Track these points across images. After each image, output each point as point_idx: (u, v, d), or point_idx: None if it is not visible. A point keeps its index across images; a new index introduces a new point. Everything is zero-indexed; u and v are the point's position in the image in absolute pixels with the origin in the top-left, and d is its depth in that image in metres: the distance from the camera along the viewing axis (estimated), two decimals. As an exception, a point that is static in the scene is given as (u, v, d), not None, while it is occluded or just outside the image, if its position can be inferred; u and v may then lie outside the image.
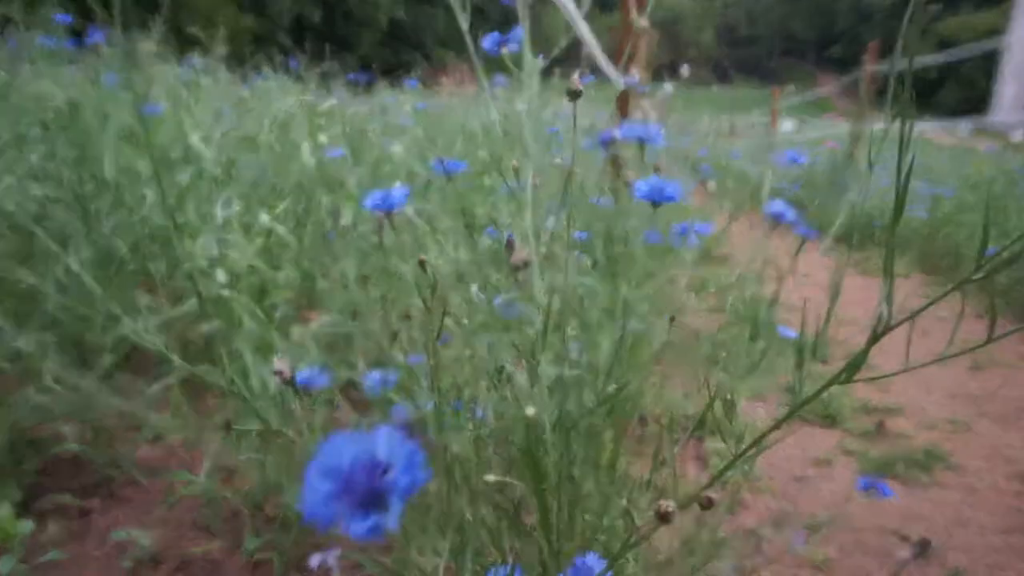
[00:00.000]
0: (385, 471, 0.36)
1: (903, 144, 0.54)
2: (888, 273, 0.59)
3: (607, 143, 1.34)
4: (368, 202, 1.06)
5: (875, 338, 0.62)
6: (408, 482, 0.36)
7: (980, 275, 0.56)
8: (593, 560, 0.84)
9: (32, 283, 1.86)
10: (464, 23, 1.14)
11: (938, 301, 0.59)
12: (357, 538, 0.35)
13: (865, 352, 0.64)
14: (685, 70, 1.81)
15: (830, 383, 0.70)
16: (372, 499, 0.36)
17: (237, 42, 2.94)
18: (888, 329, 0.62)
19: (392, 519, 0.35)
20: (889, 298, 0.60)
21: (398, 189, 1.05)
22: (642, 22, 1.35)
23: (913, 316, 0.61)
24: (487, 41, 1.14)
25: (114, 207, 2.02)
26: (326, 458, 0.37)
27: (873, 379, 0.63)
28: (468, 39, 1.17)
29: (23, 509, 1.73)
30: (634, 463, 1.46)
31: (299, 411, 1.12)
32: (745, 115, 18.66)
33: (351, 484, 0.36)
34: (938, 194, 6.56)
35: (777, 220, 1.17)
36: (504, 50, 1.13)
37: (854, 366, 0.67)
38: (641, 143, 1.24)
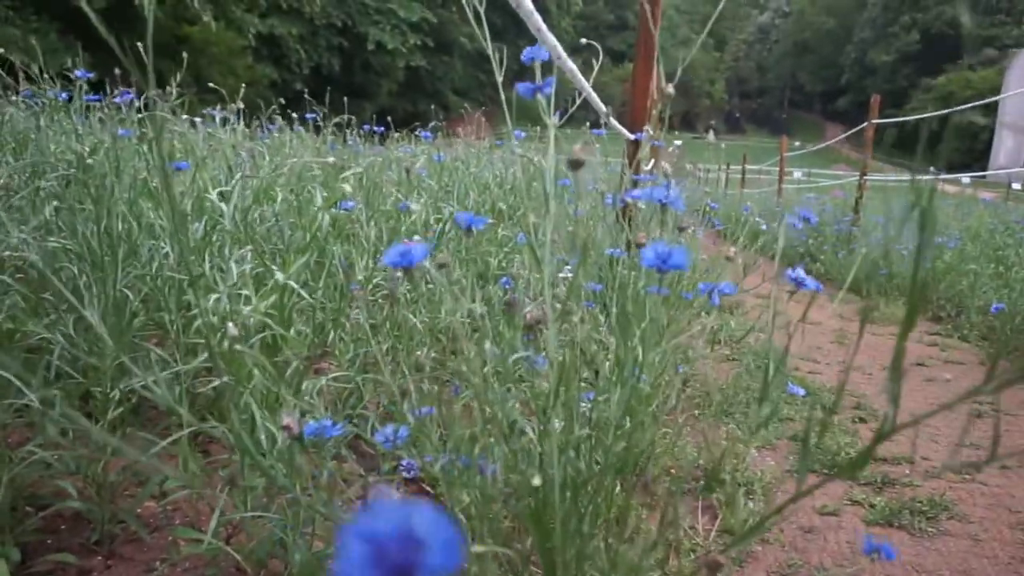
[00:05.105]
0: (419, 547, 0.37)
1: (925, 227, 0.54)
2: (896, 368, 0.59)
3: (625, 206, 1.35)
4: (387, 259, 1.02)
5: (879, 438, 0.63)
6: (440, 563, 0.36)
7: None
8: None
9: (42, 336, 1.86)
10: (499, 77, 1.17)
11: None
12: None
13: (869, 451, 0.65)
14: (711, 135, 1.83)
15: (839, 474, 0.70)
16: (403, 570, 0.36)
17: (254, 92, 2.97)
18: (893, 431, 0.62)
19: None
20: (896, 399, 0.60)
21: (418, 245, 1.02)
22: (669, 89, 1.37)
23: (918, 422, 0.61)
24: (521, 87, 1.16)
25: (127, 259, 2.03)
26: (365, 526, 0.37)
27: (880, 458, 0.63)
28: (503, 97, 1.20)
29: (21, 569, 1.70)
30: (643, 516, 1.44)
31: (305, 467, 1.12)
32: (756, 165, 19.00)
33: (385, 553, 0.37)
34: (941, 243, 6.58)
35: (797, 285, 1.17)
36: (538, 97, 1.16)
37: (857, 465, 0.68)
38: (662, 205, 1.25)
